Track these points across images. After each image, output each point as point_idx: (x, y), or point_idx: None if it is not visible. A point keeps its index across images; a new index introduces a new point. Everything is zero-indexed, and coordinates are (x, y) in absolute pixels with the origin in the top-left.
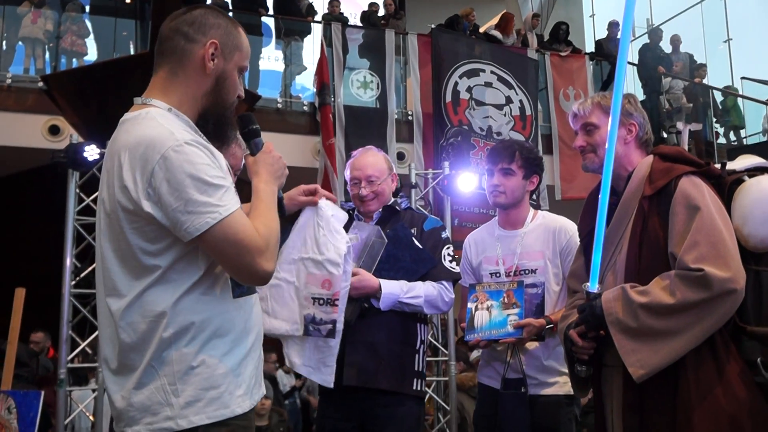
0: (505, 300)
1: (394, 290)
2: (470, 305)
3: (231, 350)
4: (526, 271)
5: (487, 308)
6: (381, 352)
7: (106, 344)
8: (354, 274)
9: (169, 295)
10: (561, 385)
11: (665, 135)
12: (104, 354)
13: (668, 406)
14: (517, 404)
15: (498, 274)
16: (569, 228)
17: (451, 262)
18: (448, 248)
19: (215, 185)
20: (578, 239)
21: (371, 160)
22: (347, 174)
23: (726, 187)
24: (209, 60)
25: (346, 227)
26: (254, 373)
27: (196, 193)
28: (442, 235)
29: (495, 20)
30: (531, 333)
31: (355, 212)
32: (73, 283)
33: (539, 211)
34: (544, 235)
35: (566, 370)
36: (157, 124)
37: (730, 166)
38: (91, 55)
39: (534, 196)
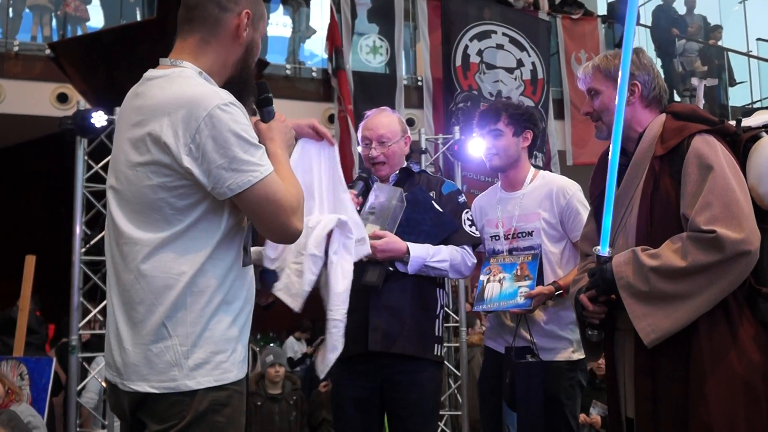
0: (518, 272)
1: (421, 254)
2: (482, 277)
3: (236, 317)
4: (523, 234)
5: (499, 280)
6: (404, 317)
7: (119, 292)
8: (380, 237)
9: (191, 255)
10: (561, 351)
11: (678, 98)
12: (113, 301)
13: (681, 369)
14: (533, 374)
15: (497, 237)
16: (569, 188)
17: (470, 226)
18: (467, 212)
19: (256, 145)
20: (580, 199)
21: (384, 120)
22: (359, 134)
23: (741, 144)
24: (243, 29)
25: (366, 191)
26: (246, 342)
27: (240, 151)
28: (460, 200)
29: None
30: (540, 301)
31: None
32: (83, 250)
33: (540, 171)
34: (542, 196)
35: (567, 336)
36: (197, 83)
37: (746, 122)
38: (98, 22)
39: (537, 159)
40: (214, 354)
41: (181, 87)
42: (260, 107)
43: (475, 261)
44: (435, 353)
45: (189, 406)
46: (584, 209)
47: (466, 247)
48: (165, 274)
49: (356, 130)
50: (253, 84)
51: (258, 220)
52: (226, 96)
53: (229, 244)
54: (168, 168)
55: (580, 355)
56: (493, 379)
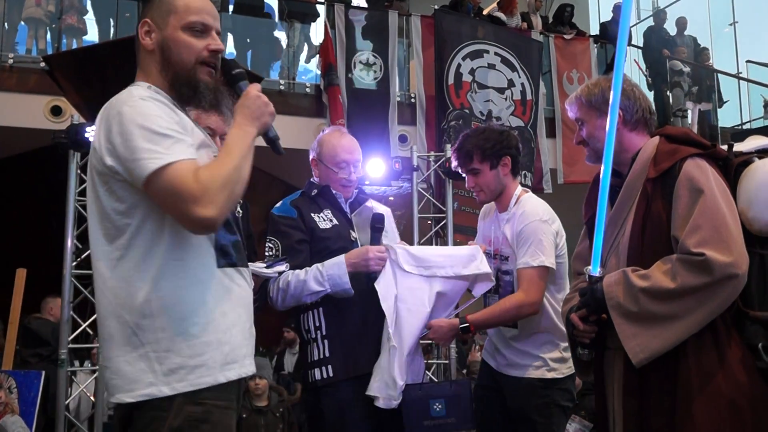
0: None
1: None
2: None
3: (214, 319)
4: (503, 257)
5: None
6: None
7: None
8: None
9: (150, 260)
10: (534, 369)
11: (671, 118)
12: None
13: (668, 390)
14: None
15: (489, 255)
16: (528, 215)
17: None
18: None
19: (164, 135)
20: (535, 228)
21: (357, 144)
22: (336, 156)
23: (732, 169)
24: (143, 38)
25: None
26: (243, 344)
27: (142, 141)
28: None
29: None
30: (439, 334)
31: (335, 192)
32: (74, 264)
33: (523, 196)
34: (513, 223)
35: (540, 354)
36: (126, 91)
37: (738, 147)
38: (93, 36)
39: (526, 179)
40: (190, 357)
41: (111, 100)
42: (233, 85)
43: None
44: None
45: (164, 422)
46: (535, 241)
47: None
48: (128, 284)
49: None
50: (204, 78)
51: (165, 210)
52: (144, 93)
53: (185, 245)
54: (101, 174)
55: (555, 374)
56: (484, 388)
